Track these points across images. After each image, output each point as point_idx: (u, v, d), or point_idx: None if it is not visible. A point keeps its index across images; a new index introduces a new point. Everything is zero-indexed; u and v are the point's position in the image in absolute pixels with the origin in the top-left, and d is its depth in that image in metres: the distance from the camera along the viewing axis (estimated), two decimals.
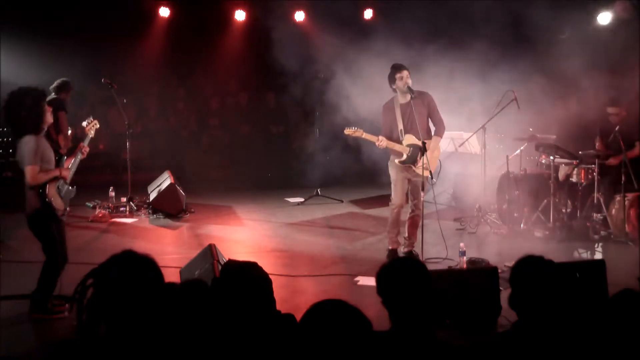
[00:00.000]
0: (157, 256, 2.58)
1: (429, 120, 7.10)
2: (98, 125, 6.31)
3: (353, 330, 2.18)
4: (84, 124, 6.25)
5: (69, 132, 6.57)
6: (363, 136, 6.90)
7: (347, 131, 6.98)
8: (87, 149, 5.97)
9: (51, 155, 5.46)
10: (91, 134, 6.16)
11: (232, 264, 2.93)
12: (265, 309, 2.77)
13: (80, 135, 6.39)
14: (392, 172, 7.09)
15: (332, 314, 2.22)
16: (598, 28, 10.98)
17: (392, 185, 7.10)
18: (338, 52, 10.77)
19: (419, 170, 6.84)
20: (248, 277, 2.80)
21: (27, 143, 5.28)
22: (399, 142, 6.90)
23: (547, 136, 8.50)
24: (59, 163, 5.57)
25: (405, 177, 7.02)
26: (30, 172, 5.24)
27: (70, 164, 5.76)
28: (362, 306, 2.28)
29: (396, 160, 6.93)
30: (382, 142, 6.83)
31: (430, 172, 6.61)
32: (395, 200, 7.06)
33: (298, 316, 2.39)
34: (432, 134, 7.12)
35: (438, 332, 2.82)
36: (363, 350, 2.16)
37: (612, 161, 8.12)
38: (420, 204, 6.98)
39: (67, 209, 5.64)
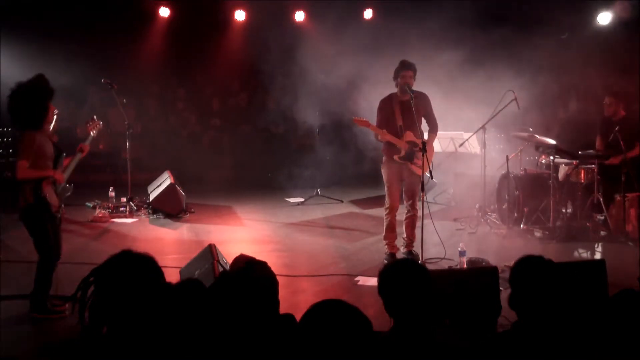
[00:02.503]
0: (157, 256, 2.58)
1: (423, 120, 7.13)
2: (101, 127, 6.30)
3: (353, 330, 2.17)
4: (89, 123, 6.22)
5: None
6: (369, 127, 6.92)
7: (356, 120, 7.00)
8: (88, 147, 5.96)
9: (49, 151, 5.43)
10: (93, 133, 6.14)
11: (243, 260, 2.93)
12: (268, 309, 2.77)
13: (81, 135, 6.36)
14: (386, 174, 7.08)
15: (332, 314, 2.22)
16: (598, 28, 10.99)
17: (386, 188, 7.09)
18: (338, 51, 10.77)
19: (415, 169, 6.85)
20: (256, 275, 2.80)
21: (24, 137, 5.28)
22: (399, 137, 6.91)
23: (547, 139, 8.48)
24: (57, 160, 5.54)
25: (400, 178, 7.02)
26: (19, 167, 5.22)
27: (69, 163, 5.75)
28: (362, 306, 2.28)
29: (395, 157, 6.92)
30: (385, 135, 6.84)
31: (430, 171, 6.63)
32: (390, 203, 7.05)
33: (298, 316, 2.39)
34: (426, 133, 7.15)
35: (438, 332, 2.82)
36: (363, 350, 2.16)
37: (613, 161, 8.13)
38: (416, 203, 6.99)
39: (62, 206, 5.62)
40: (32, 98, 5.29)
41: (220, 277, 2.90)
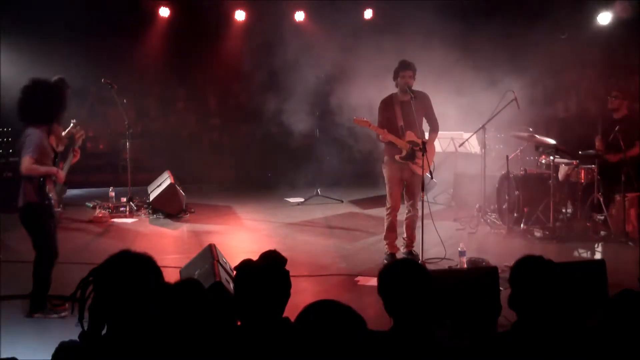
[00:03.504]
0: (157, 256, 2.58)
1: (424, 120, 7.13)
2: (84, 136, 6.31)
3: (347, 329, 2.17)
4: (73, 130, 6.22)
5: (64, 132, 6.43)
6: (370, 127, 6.91)
7: (356, 120, 7.01)
8: (79, 152, 5.96)
9: (50, 151, 5.47)
10: (79, 143, 6.17)
11: (272, 256, 2.94)
12: (274, 314, 2.77)
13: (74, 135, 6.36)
14: (387, 175, 7.07)
15: (325, 314, 2.22)
16: (598, 28, 10.99)
17: (388, 188, 7.08)
18: (338, 52, 10.77)
19: (416, 169, 6.85)
20: (278, 279, 2.81)
21: (32, 134, 5.31)
22: (400, 137, 6.91)
23: (547, 139, 8.48)
24: (55, 160, 5.56)
25: (401, 178, 7.02)
26: (26, 162, 5.26)
27: (63, 167, 5.77)
28: (362, 306, 2.29)
29: (396, 157, 6.92)
30: (386, 135, 6.84)
31: (430, 171, 6.63)
32: (391, 203, 7.05)
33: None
34: (427, 133, 7.15)
35: (438, 332, 2.81)
36: (358, 349, 2.16)
37: (611, 158, 8.11)
38: (416, 204, 6.98)
39: (62, 205, 5.65)
40: (51, 94, 5.31)
41: (242, 266, 2.88)
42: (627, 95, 8.46)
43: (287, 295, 2.84)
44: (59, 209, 5.62)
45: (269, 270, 2.83)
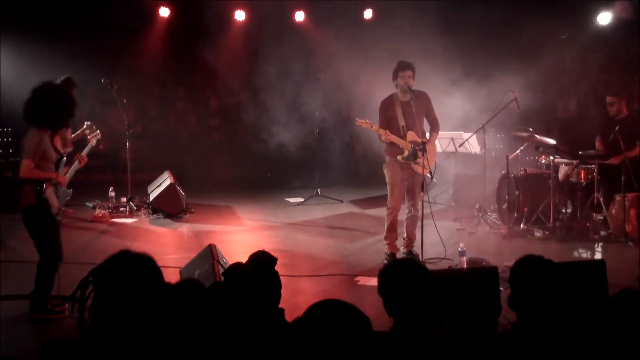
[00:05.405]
0: (157, 256, 2.57)
1: (424, 119, 7.14)
2: (100, 136, 6.22)
3: (353, 328, 2.17)
4: (87, 131, 6.15)
5: (71, 135, 6.25)
6: (372, 128, 6.91)
7: (359, 121, 7.01)
8: (86, 159, 5.91)
9: (52, 154, 5.45)
10: (92, 143, 6.09)
11: (259, 257, 2.92)
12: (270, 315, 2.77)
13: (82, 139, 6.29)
14: (389, 175, 7.07)
15: (331, 313, 2.22)
16: (598, 28, 10.99)
17: (389, 188, 7.08)
18: (338, 51, 10.77)
19: (417, 169, 6.85)
20: (264, 281, 2.80)
21: (32, 138, 5.28)
22: (402, 138, 6.92)
23: (547, 139, 8.48)
24: (58, 164, 5.55)
25: (403, 178, 7.02)
26: (24, 165, 5.24)
27: (67, 172, 5.74)
28: (362, 306, 2.27)
29: (398, 157, 6.92)
30: (388, 136, 6.84)
31: (431, 171, 6.63)
32: (392, 203, 7.04)
33: (298, 315, 2.38)
34: (428, 133, 7.15)
35: (438, 332, 2.82)
36: (363, 348, 2.16)
37: (613, 161, 8.12)
38: (417, 204, 6.97)
39: (63, 208, 5.63)
40: (60, 100, 5.30)
41: (230, 270, 2.87)
42: (624, 96, 8.46)
43: (278, 295, 2.83)
44: (60, 213, 5.58)
45: (257, 274, 2.82)
